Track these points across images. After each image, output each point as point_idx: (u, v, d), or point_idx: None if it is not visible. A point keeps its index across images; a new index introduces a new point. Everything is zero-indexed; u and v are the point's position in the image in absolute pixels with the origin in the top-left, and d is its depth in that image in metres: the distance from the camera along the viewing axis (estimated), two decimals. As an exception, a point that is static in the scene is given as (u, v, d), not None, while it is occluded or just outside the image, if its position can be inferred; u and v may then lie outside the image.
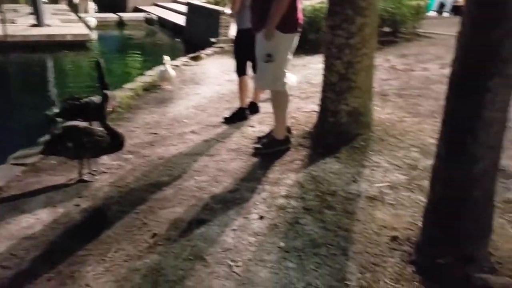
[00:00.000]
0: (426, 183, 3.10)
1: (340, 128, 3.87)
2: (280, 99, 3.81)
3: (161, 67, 6.30)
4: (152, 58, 10.22)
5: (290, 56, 3.77)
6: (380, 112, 4.51)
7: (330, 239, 2.72)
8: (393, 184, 3.27)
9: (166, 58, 6.19)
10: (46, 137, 4.19)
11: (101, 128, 3.65)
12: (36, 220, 3.06)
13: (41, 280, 2.47)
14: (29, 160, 3.95)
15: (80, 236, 2.87)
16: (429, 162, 3.38)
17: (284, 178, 3.45)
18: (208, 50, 9.29)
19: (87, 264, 2.61)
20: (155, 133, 4.62)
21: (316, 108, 4.20)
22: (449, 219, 2.36)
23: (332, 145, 3.82)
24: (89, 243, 2.80)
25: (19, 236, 2.87)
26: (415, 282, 2.33)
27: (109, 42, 14.46)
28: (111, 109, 4.09)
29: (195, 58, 8.31)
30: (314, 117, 4.24)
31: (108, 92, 3.83)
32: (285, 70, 3.75)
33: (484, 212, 2.32)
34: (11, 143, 5.07)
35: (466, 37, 2.19)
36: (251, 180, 3.49)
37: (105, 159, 3.90)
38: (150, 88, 6.34)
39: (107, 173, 3.75)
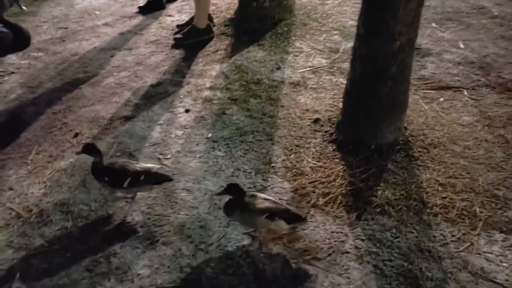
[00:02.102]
0: (346, 66, 3.20)
1: (263, 13, 3.76)
2: None
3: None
4: None
5: None
6: (302, -5, 4.41)
7: (256, 127, 2.79)
8: (315, 69, 3.33)
9: None
10: None
11: (1, 25, 3.26)
12: None
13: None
14: None
15: (-5, 141, 2.72)
16: (349, 44, 3.45)
17: (208, 69, 3.38)
18: None
19: (8, 168, 2.51)
20: (65, 28, 4.23)
21: (237, -7, 4.02)
22: (368, 96, 2.47)
23: (255, 32, 3.73)
24: (7, 147, 2.67)
25: None
26: (336, 159, 2.50)
27: None
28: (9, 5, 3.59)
29: None
30: (235, 3, 4.07)
31: None
32: None
33: (400, 88, 2.45)
34: None
35: None
36: (174, 73, 3.39)
37: (12, 58, 3.57)
38: (53, -24, 5.65)
39: (16, 73, 3.46)
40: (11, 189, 2.37)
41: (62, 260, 1.99)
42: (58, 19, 4.41)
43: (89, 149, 2.16)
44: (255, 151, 2.60)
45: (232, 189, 1.97)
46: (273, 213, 1.92)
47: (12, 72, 3.47)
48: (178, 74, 3.37)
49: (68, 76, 3.42)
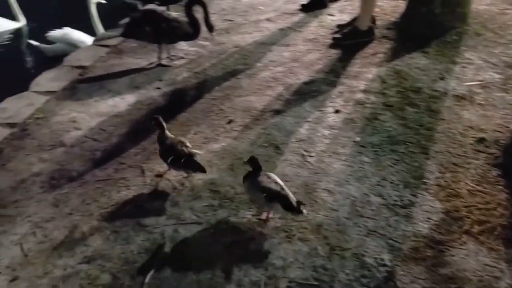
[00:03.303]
0: (524, 84, 2.84)
1: (432, 19, 3.54)
2: None
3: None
4: None
5: None
6: (479, 2, 4.02)
7: (409, 137, 2.63)
8: (485, 83, 3.02)
9: None
10: (126, 20, 4.23)
11: (178, 14, 3.60)
12: (121, 100, 3.22)
13: (128, 154, 2.65)
14: (111, 42, 4.06)
15: (162, 117, 2.96)
16: (531, 61, 3.06)
17: (365, 72, 3.29)
18: None
19: (169, 144, 2.75)
20: (231, 20, 4.50)
21: (405, -4, 3.84)
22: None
23: (420, 38, 3.53)
24: (170, 124, 2.90)
25: (107, 114, 3.05)
26: (499, 185, 2.23)
27: None
28: None
29: None
30: (401, 6, 3.90)
31: None
32: None
33: None
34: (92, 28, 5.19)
35: None
36: (328, 73, 3.37)
37: (183, 45, 3.91)
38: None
39: (185, 58, 3.78)
40: (169, 162, 2.60)
41: (206, 234, 2.11)
42: (225, 12, 4.71)
43: (157, 122, 2.41)
44: (406, 163, 2.45)
45: (252, 161, 2.13)
46: (273, 195, 2.02)
47: (182, 57, 3.79)
48: (332, 74, 3.35)
49: (228, 66, 3.63)
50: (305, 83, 3.28)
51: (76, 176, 2.50)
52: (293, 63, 3.58)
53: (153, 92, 3.30)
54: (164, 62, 3.68)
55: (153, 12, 3.66)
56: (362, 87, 3.13)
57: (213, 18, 4.47)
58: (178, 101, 3.20)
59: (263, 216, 2.18)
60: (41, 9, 6.32)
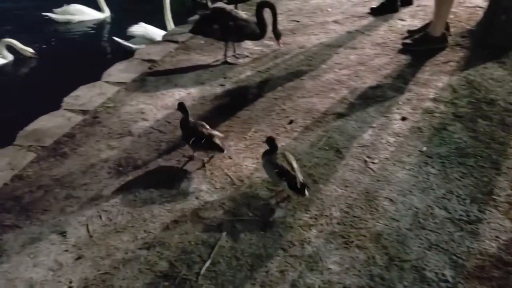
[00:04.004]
0: None
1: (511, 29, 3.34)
2: None
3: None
4: None
5: None
6: None
7: (480, 150, 2.50)
8: None
9: None
10: (195, 17, 4.34)
11: (245, 13, 3.64)
12: (187, 94, 3.30)
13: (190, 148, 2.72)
14: (180, 38, 4.18)
15: (224, 113, 3.04)
16: None
17: (435, 80, 3.17)
18: None
19: (230, 139, 2.78)
20: (297, 21, 4.50)
21: (482, 3, 3.65)
22: None
23: (497, 47, 3.35)
24: (232, 121, 2.96)
25: (173, 107, 3.13)
26: None
27: None
28: None
29: None
30: (478, 14, 3.72)
31: None
32: None
33: None
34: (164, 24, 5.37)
35: None
36: (396, 78, 3.28)
37: (248, 43, 3.95)
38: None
39: (249, 57, 3.82)
40: (230, 158, 2.63)
41: (262, 232, 2.12)
42: (292, 13, 4.71)
43: (181, 107, 2.58)
44: (475, 177, 2.33)
45: (269, 141, 2.29)
46: (282, 173, 2.16)
47: (246, 56, 3.84)
48: (400, 80, 3.25)
49: (292, 67, 3.62)
50: (371, 88, 3.21)
51: (142, 165, 2.59)
52: (359, 66, 3.51)
53: (217, 89, 3.36)
54: (229, 60, 3.74)
55: (221, 10, 3.73)
56: (431, 96, 3.01)
57: (279, 19, 4.49)
58: (241, 99, 3.24)
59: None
60: (117, 2, 6.67)
